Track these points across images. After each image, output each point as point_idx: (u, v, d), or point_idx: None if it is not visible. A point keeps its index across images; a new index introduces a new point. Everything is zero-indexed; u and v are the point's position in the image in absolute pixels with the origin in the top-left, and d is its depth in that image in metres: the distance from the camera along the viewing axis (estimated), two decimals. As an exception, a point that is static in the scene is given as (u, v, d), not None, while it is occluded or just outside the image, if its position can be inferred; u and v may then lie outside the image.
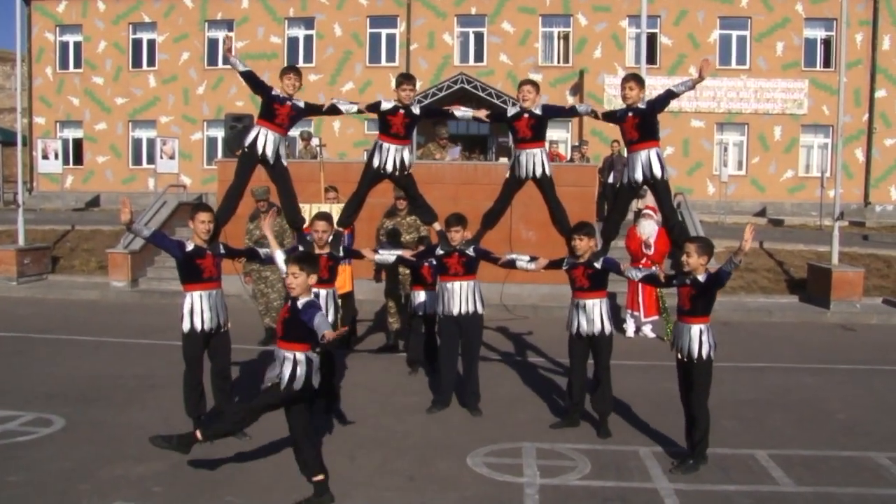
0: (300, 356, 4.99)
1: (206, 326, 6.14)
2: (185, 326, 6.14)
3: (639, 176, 6.68)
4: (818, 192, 21.60)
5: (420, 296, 8.46)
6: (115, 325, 11.50)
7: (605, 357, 6.65)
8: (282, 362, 5.00)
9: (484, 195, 12.00)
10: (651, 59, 23.47)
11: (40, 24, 27.19)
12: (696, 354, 5.66)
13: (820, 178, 21.66)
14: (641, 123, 6.65)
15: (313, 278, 5.12)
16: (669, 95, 6.67)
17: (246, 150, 6.90)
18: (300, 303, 4.99)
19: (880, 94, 24.55)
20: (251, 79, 6.96)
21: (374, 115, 7.27)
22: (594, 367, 6.71)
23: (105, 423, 6.70)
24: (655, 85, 16.51)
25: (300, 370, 4.97)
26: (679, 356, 5.81)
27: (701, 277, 5.66)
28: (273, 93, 6.92)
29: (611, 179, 17.53)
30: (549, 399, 7.73)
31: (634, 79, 6.80)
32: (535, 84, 7.10)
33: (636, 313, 11.06)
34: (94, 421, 6.76)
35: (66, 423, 6.67)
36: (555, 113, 7.23)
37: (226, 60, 6.83)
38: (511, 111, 7.18)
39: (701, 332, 5.68)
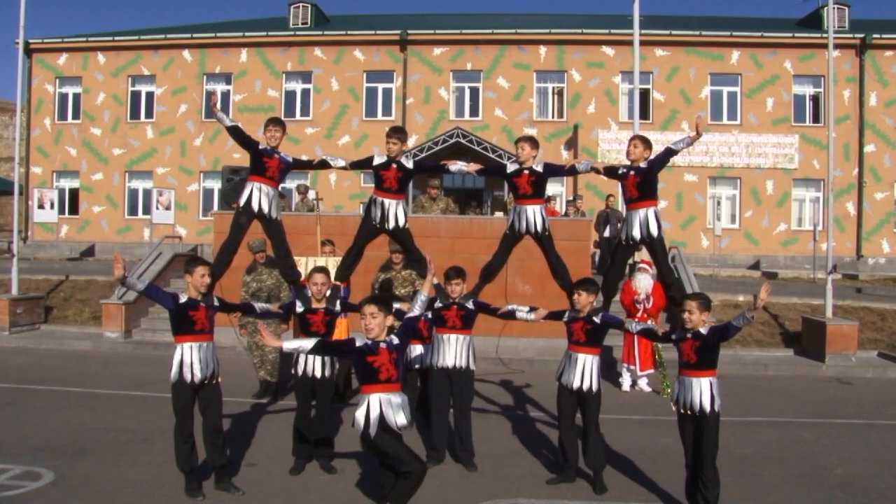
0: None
1: (196, 378, 6.09)
2: (174, 377, 6.09)
3: (636, 234, 6.74)
4: (811, 245, 21.74)
5: (416, 349, 8.42)
6: (108, 377, 11.40)
7: (593, 414, 6.61)
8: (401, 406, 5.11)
9: (479, 248, 12.08)
10: (644, 114, 23.87)
11: (41, 76, 27.57)
12: (708, 409, 5.63)
13: (812, 232, 21.81)
14: (642, 182, 6.74)
15: (390, 319, 5.17)
16: (668, 153, 6.76)
17: (241, 207, 6.93)
18: (395, 341, 5.15)
19: (869, 148, 24.93)
20: (238, 133, 7.00)
21: (367, 171, 7.37)
22: (582, 424, 6.68)
23: (95, 478, 6.60)
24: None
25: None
26: (685, 411, 5.76)
27: (703, 330, 5.68)
28: (260, 147, 6.97)
29: (607, 233, 17.62)
30: (545, 454, 7.66)
31: (640, 138, 6.91)
32: (533, 140, 7.18)
33: (632, 367, 11.03)
34: (83, 475, 6.66)
35: (56, 476, 6.57)
36: (555, 172, 7.28)
37: (211, 114, 6.93)
38: (511, 167, 7.26)
39: (711, 385, 5.66)
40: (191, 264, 6.24)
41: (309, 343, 5.36)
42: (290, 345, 5.44)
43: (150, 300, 6.57)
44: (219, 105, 7.06)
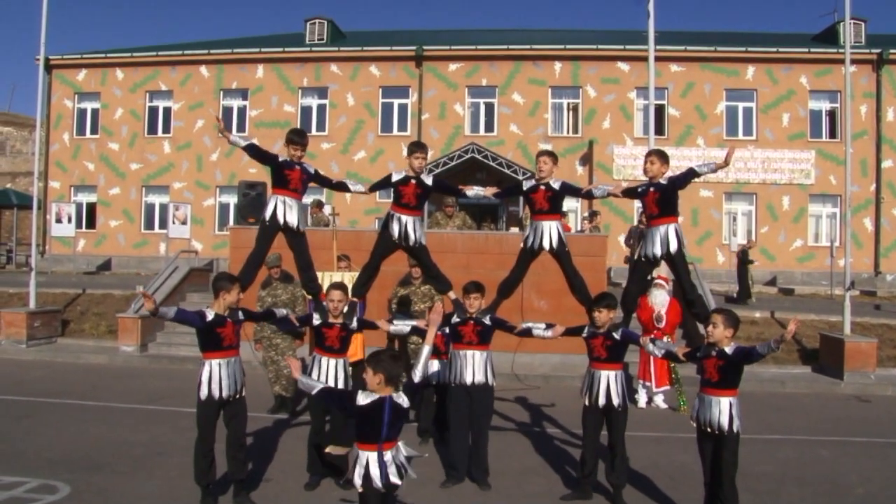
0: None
1: (225, 394, 6.15)
2: (203, 394, 6.13)
3: (657, 250, 6.70)
4: (828, 261, 21.60)
5: (433, 365, 8.38)
6: (123, 391, 11.44)
7: (619, 430, 6.57)
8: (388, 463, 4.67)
9: (495, 264, 12.07)
10: (659, 129, 23.87)
11: (60, 92, 27.87)
12: (726, 428, 5.58)
13: (829, 248, 21.67)
14: (662, 199, 6.70)
15: (389, 390, 4.68)
16: (691, 174, 6.70)
17: (267, 222, 6.94)
18: (401, 400, 4.68)
19: (887, 164, 24.78)
20: (255, 151, 7.03)
21: (382, 190, 7.41)
22: (608, 440, 6.63)
23: (110, 492, 6.62)
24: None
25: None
26: (704, 428, 5.72)
27: (728, 349, 5.62)
28: (281, 159, 6.98)
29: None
30: (561, 470, 7.61)
31: (657, 154, 6.87)
32: (552, 155, 7.21)
33: (648, 383, 10.96)
34: (99, 489, 6.68)
35: (72, 490, 6.60)
36: (571, 192, 7.30)
37: (219, 130, 6.90)
38: (527, 184, 7.29)
39: (731, 405, 5.61)
40: (227, 282, 6.28)
41: (316, 386, 4.97)
42: (302, 380, 4.99)
43: (181, 324, 6.56)
44: (226, 126, 7.05)
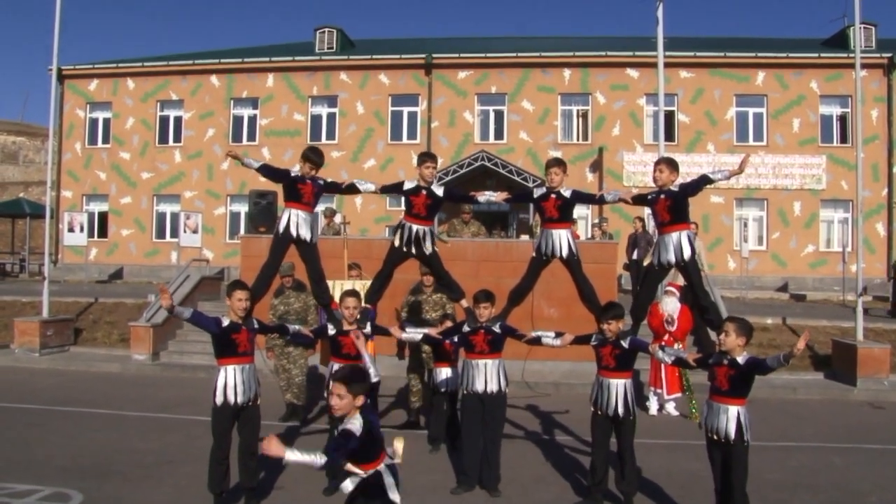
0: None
1: (240, 400, 6.20)
2: (219, 400, 6.18)
3: (670, 258, 6.67)
4: (840, 266, 21.48)
5: (443, 373, 8.41)
6: (135, 399, 11.47)
7: (628, 438, 6.54)
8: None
9: (505, 272, 12.06)
10: (669, 136, 23.79)
11: (72, 102, 28.09)
12: (733, 437, 5.55)
13: (841, 253, 21.55)
14: (673, 206, 6.68)
15: (360, 399, 4.38)
16: (704, 181, 6.70)
17: (280, 234, 7.00)
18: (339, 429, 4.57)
19: (898, 169, 24.63)
20: (268, 170, 7.12)
21: (393, 195, 7.44)
22: (617, 448, 6.61)
23: (122, 499, 6.65)
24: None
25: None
26: (712, 435, 5.70)
27: (740, 359, 5.60)
28: (293, 174, 7.04)
29: (634, 256, 17.45)
30: (572, 478, 7.59)
31: (665, 162, 6.86)
32: (562, 164, 7.22)
33: (659, 391, 10.93)
34: (111, 497, 6.70)
35: (84, 498, 6.62)
36: (583, 200, 7.33)
37: (237, 139, 7.01)
38: (538, 192, 7.31)
39: (739, 413, 5.58)
40: (230, 288, 6.38)
41: (320, 460, 4.32)
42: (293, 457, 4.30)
43: (178, 321, 6.65)
44: (235, 138, 7.18)
